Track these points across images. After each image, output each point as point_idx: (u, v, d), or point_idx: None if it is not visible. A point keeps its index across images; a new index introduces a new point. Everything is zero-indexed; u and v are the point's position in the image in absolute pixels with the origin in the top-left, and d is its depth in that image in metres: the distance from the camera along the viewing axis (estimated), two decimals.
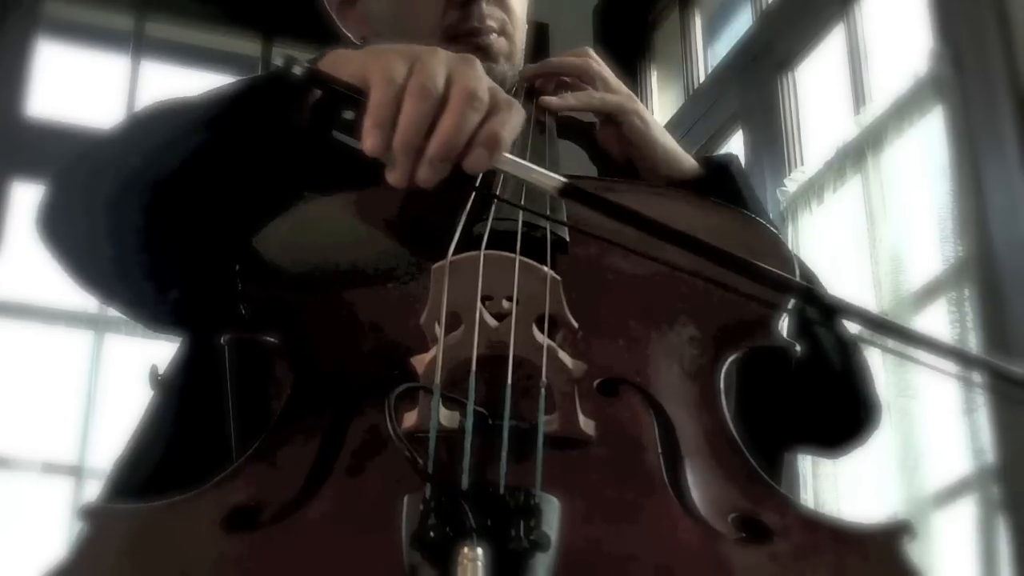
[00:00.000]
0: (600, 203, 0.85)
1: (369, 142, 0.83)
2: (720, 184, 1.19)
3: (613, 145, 1.22)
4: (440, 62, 0.85)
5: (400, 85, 0.83)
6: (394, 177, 0.84)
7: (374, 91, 0.84)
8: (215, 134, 0.96)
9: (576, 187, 0.85)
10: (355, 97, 0.85)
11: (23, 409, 3.28)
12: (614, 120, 1.21)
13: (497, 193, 0.97)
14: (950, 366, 0.78)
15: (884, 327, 0.81)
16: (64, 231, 1.03)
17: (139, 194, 0.96)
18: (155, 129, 1.01)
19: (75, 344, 3.41)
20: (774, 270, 0.84)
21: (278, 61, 0.87)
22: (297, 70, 0.86)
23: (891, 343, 0.79)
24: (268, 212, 0.98)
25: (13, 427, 3.23)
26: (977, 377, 0.80)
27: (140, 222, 0.96)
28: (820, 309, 0.84)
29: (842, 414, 1.15)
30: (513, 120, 0.85)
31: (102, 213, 0.98)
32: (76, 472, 3.21)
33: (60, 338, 3.42)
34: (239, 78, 1.03)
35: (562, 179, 0.84)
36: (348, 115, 0.85)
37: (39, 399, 3.32)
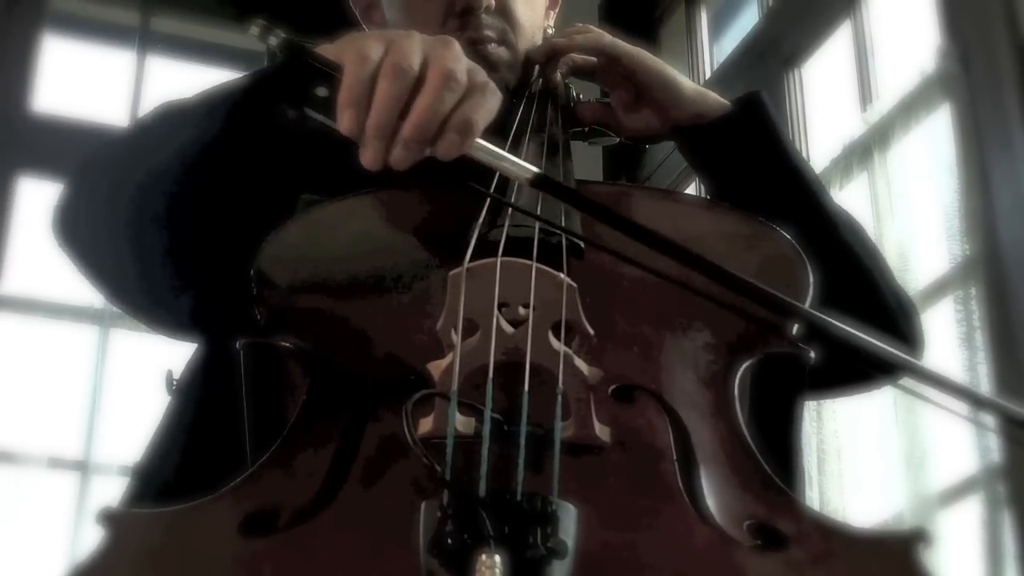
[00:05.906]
0: (571, 197, 0.85)
1: (344, 122, 0.82)
2: (753, 119, 1.18)
3: (630, 98, 1.21)
4: (416, 43, 0.85)
5: (374, 64, 0.82)
6: (367, 158, 0.82)
7: (347, 70, 0.83)
8: (229, 128, 0.96)
9: (547, 178, 0.84)
10: (329, 73, 0.84)
11: (29, 404, 3.28)
12: (625, 70, 1.20)
13: (512, 199, 0.97)
14: (962, 406, 0.77)
15: (902, 363, 0.80)
16: (83, 235, 1.03)
17: (160, 195, 0.96)
18: (169, 130, 1.01)
19: (81, 339, 3.41)
20: (778, 294, 0.83)
21: (254, 30, 0.85)
22: (272, 40, 0.85)
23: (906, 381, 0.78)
24: (275, 213, 0.98)
25: (19, 422, 3.23)
26: (988, 418, 0.79)
27: (162, 224, 0.97)
28: (828, 331, 0.82)
29: (872, 316, 1.05)
30: (489, 104, 0.84)
31: (123, 217, 0.98)
32: (81, 467, 3.22)
33: (66, 333, 3.43)
34: (245, 74, 1.03)
35: (534, 169, 0.83)
36: (322, 92, 0.84)
37: (45, 394, 3.33)
